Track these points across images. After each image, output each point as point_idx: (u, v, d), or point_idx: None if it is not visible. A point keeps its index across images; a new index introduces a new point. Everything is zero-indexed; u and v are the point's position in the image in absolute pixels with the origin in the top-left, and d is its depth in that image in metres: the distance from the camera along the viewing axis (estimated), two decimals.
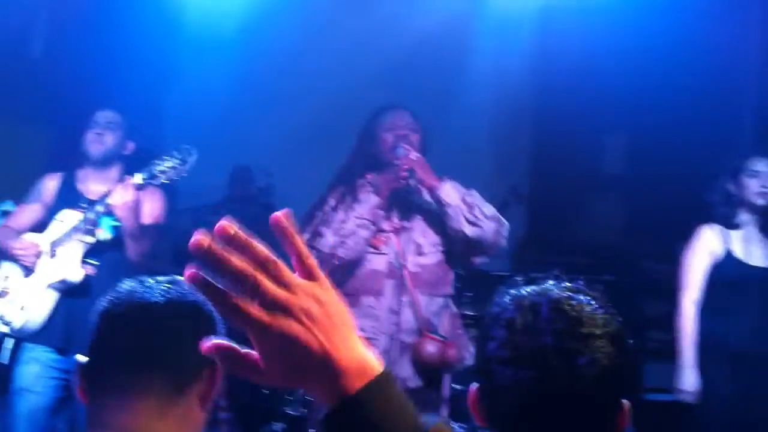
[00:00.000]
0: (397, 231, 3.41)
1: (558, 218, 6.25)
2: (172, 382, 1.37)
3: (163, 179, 3.31)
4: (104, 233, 3.50)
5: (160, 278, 1.45)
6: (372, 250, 3.36)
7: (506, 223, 3.45)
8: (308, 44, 6.11)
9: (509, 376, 1.18)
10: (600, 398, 1.19)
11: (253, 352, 0.84)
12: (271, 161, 5.55)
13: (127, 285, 1.43)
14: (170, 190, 3.69)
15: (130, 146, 3.72)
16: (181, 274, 0.85)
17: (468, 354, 3.47)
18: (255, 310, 0.81)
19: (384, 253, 3.37)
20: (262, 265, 0.82)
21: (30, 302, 3.49)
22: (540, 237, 6.23)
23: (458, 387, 4.53)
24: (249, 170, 5.60)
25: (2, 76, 5.81)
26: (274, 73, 6.06)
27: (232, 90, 5.91)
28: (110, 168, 3.65)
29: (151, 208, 3.66)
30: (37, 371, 3.51)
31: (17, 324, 3.49)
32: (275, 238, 0.86)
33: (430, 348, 3.28)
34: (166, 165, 3.29)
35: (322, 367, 0.83)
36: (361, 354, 0.86)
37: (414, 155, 3.31)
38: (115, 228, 3.54)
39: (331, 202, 3.46)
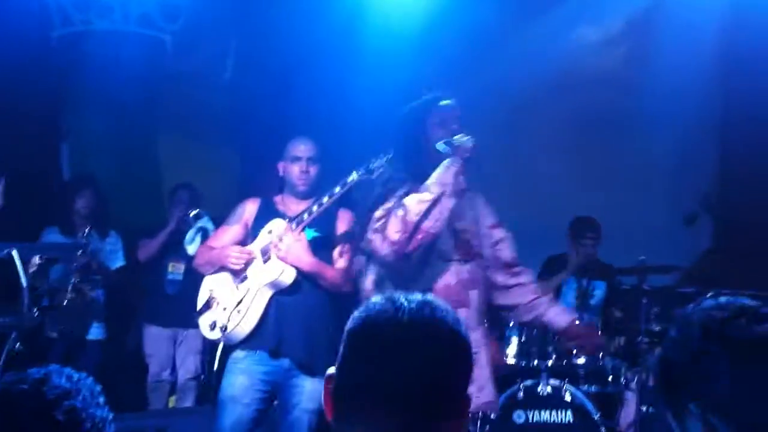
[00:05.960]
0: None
1: (749, 229, 5.90)
2: (424, 414, 1.24)
3: (375, 175, 3.39)
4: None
5: (412, 296, 1.32)
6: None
7: None
8: (481, 56, 6.11)
9: None
10: None
11: None
12: None
13: (377, 302, 1.32)
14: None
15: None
16: None
17: None
18: None
19: None
20: None
21: (243, 307, 3.65)
22: (729, 249, 5.92)
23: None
24: None
25: (200, 99, 6.22)
26: (449, 88, 6.08)
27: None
28: (312, 196, 3.82)
29: (343, 232, 3.79)
30: (245, 383, 3.65)
31: (231, 328, 3.64)
32: None
33: None
34: (379, 161, 3.39)
35: None
36: None
37: None
38: (318, 238, 3.75)
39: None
